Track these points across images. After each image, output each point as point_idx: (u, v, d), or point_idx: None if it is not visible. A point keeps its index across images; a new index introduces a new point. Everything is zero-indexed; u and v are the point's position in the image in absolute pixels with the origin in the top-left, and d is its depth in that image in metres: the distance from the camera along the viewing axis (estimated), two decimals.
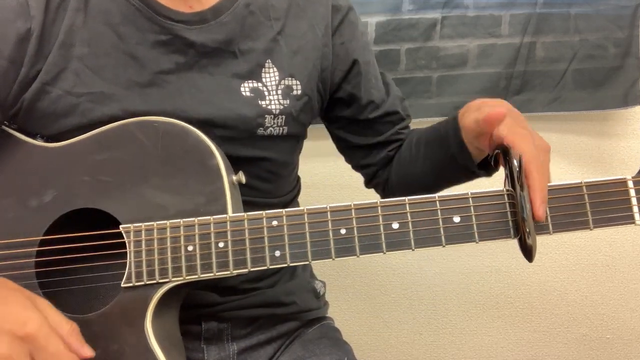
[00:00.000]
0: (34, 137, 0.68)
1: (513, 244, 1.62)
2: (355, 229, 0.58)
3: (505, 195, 0.58)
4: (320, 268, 0.93)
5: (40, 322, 0.51)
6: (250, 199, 0.72)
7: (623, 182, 0.57)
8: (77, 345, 0.54)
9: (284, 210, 0.59)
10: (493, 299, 1.53)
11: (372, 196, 0.72)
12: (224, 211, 0.61)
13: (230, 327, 0.78)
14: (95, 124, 0.67)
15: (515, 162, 0.56)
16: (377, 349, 1.55)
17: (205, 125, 0.68)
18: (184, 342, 0.68)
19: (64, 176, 0.65)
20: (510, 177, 0.57)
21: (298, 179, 0.89)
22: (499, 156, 0.60)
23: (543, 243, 1.64)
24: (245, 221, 0.60)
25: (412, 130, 0.87)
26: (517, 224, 0.57)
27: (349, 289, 1.48)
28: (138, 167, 0.64)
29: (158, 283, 0.60)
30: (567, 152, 1.44)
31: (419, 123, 1.34)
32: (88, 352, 0.55)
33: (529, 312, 1.54)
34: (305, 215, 0.59)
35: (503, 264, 1.50)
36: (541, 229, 0.57)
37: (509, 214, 0.58)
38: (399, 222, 0.58)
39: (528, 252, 0.56)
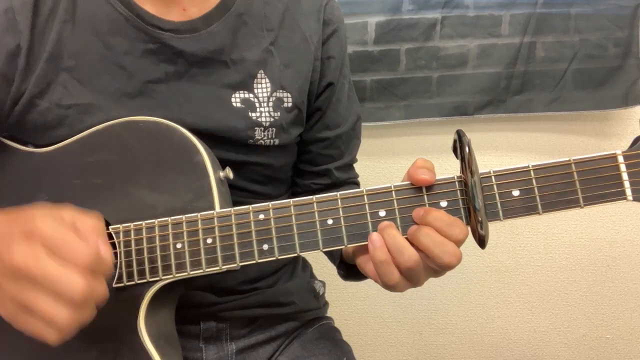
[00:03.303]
0: (24, 144, 0.69)
1: (512, 243, 1.61)
2: (342, 218, 0.58)
3: (457, 183, 0.56)
4: (320, 268, 0.93)
5: (44, 216, 0.48)
6: (244, 199, 0.72)
7: (613, 157, 0.55)
8: (92, 238, 0.48)
9: (270, 203, 0.59)
10: (493, 299, 1.53)
11: None
12: (212, 207, 0.61)
13: (229, 327, 0.78)
14: None
15: (467, 149, 0.54)
16: (377, 349, 1.55)
17: (194, 134, 0.67)
18: (182, 342, 0.68)
19: (53, 180, 0.65)
20: (462, 164, 0.55)
21: None
22: (456, 145, 0.58)
23: (543, 243, 1.64)
24: (232, 216, 0.59)
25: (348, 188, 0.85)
26: (468, 211, 0.56)
27: (349, 288, 1.48)
28: (126, 167, 0.64)
29: (149, 282, 0.60)
30: (567, 152, 1.42)
31: (418, 123, 1.37)
32: (103, 248, 0.49)
33: (529, 312, 1.54)
34: (292, 207, 0.58)
35: (503, 264, 1.50)
36: (530, 209, 0.56)
37: (460, 201, 0.56)
38: (385, 210, 0.57)
39: (481, 241, 0.55)
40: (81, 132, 0.67)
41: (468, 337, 1.55)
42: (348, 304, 1.51)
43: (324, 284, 0.91)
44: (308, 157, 0.84)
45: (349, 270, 0.71)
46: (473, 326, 1.55)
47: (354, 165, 0.89)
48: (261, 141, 0.73)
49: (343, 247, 0.58)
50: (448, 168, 1.43)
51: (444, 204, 0.56)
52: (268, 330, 0.80)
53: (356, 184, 0.89)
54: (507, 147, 1.44)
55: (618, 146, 1.56)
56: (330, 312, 0.92)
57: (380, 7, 1.28)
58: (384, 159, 1.43)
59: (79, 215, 0.50)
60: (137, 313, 0.60)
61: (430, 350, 1.56)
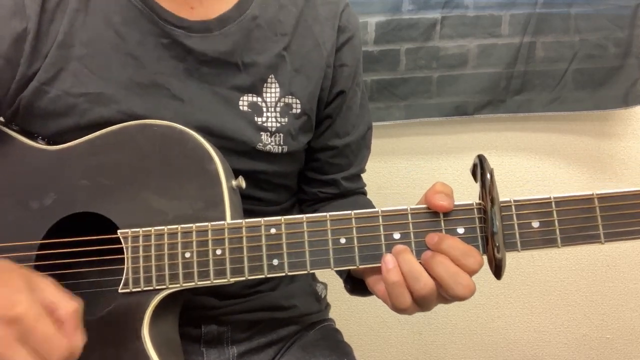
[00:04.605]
0: (35, 139, 0.68)
1: None
2: (355, 238, 0.56)
3: (475, 209, 0.55)
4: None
5: (30, 303, 0.48)
6: (250, 207, 0.71)
7: (638, 195, 0.53)
8: (70, 330, 0.50)
9: (282, 218, 0.58)
10: (493, 298, 1.53)
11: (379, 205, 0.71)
12: (223, 217, 0.60)
13: (230, 330, 0.77)
14: (93, 124, 0.66)
15: (488, 176, 0.53)
16: (377, 349, 1.55)
17: (202, 133, 0.66)
18: (183, 346, 0.68)
19: (64, 179, 0.65)
20: (482, 190, 0.54)
21: None
22: (476, 169, 0.57)
23: None
24: (243, 229, 0.58)
25: (356, 199, 0.85)
26: (486, 240, 0.54)
27: None
28: (137, 170, 0.63)
29: (155, 289, 0.60)
30: (567, 152, 1.44)
31: (419, 123, 1.37)
32: (78, 339, 0.50)
33: (529, 312, 1.54)
34: (305, 223, 0.57)
35: None
36: (549, 242, 0.54)
37: (478, 229, 0.55)
38: (400, 233, 0.56)
39: (497, 268, 0.53)
40: (89, 121, 0.66)
41: (468, 337, 1.55)
42: (348, 305, 1.51)
43: (325, 285, 0.91)
44: (316, 165, 0.82)
45: (356, 285, 0.70)
46: (473, 326, 1.54)
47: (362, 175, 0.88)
48: (269, 146, 0.72)
49: (355, 267, 0.57)
50: (448, 168, 1.43)
51: (461, 230, 0.55)
52: (269, 334, 0.80)
53: (363, 194, 0.88)
54: (507, 147, 1.44)
55: (618, 146, 1.57)
56: (331, 313, 0.92)
57: (380, 7, 1.27)
58: (384, 159, 1.42)
59: (60, 299, 0.50)
60: (141, 319, 0.60)
61: (430, 350, 1.56)
